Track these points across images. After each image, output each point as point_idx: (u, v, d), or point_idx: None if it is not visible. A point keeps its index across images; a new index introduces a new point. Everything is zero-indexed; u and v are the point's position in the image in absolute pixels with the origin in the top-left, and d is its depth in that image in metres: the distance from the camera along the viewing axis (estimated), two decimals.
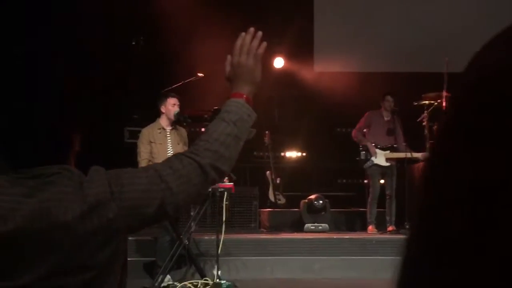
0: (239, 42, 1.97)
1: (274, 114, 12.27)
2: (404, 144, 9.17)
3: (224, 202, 7.13)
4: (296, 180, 11.51)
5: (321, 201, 9.66)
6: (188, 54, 10.25)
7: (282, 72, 11.75)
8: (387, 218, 9.39)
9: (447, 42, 11.18)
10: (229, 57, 1.98)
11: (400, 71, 11.65)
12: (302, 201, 9.87)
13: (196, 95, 9.64)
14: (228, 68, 1.98)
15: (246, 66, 1.95)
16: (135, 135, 8.12)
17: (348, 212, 10.59)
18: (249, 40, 1.97)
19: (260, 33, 1.98)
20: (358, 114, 10.00)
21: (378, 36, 11.83)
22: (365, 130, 9.73)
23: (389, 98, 9.54)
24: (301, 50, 11.95)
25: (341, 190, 11.64)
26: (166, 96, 7.46)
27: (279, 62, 11.72)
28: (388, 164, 9.40)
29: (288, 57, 11.75)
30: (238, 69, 1.95)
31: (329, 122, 11.93)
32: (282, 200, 10.40)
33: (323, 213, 9.70)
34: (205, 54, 9.90)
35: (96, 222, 1.55)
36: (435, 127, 9.80)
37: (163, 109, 7.35)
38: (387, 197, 9.42)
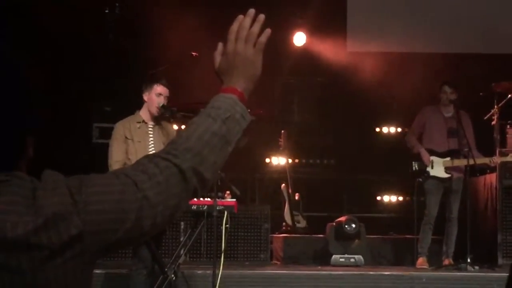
0: (235, 26, 2.03)
1: (293, 107, 12.25)
2: (466, 149, 9.04)
3: (224, 225, 7.10)
4: (322, 196, 11.52)
5: (353, 225, 9.62)
6: (178, 27, 10.24)
7: (303, 52, 11.71)
8: (444, 248, 9.35)
9: None
10: (220, 45, 2.05)
11: (463, 52, 11.61)
12: (329, 225, 9.83)
13: (188, 81, 9.63)
14: (218, 58, 2.04)
15: (243, 55, 2.01)
16: (107, 133, 8.10)
17: (391, 240, 10.54)
18: (248, 25, 2.02)
19: (262, 16, 2.04)
20: (407, 109, 9.96)
21: (433, 4, 11.79)
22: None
23: (446, 88, 9.38)
24: (330, 22, 11.89)
25: (381, 211, 11.63)
26: (153, 80, 7.41)
27: (300, 39, 11.68)
28: (448, 175, 9.34)
29: (312, 31, 11.72)
30: (233, 59, 2.01)
31: (367, 120, 11.94)
32: (302, 223, 10.39)
33: (356, 240, 9.66)
34: (200, 28, 9.89)
35: (55, 240, 1.57)
36: (508, 127, 9.74)
37: (145, 97, 7.32)
38: (447, 221, 9.37)
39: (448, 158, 9.33)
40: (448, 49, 11.71)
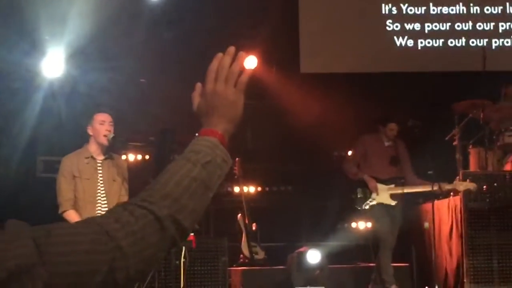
0: (214, 64, 2.03)
1: (246, 134, 12.23)
2: (414, 175, 9.48)
3: (182, 260, 7.06)
4: (280, 225, 11.46)
5: (315, 255, 9.57)
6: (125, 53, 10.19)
7: (255, 76, 11.71)
8: (385, 277, 9.40)
9: (483, 29, 11.26)
10: (198, 85, 2.05)
11: (419, 70, 11.71)
12: (290, 256, 9.79)
13: (136, 111, 9.58)
14: (196, 99, 2.04)
15: (223, 96, 2.01)
16: (53, 167, 7.99)
17: (356, 269, 10.50)
18: (228, 63, 2.02)
19: (243, 54, 2.03)
20: (364, 131, 10.02)
21: (386, 22, 11.90)
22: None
23: (393, 126, 9.68)
24: (282, 44, 11.95)
25: (343, 239, 11.60)
26: (92, 111, 7.33)
27: (251, 62, 11.70)
28: (394, 203, 9.50)
29: (263, 54, 11.75)
30: (213, 100, 2.01)
31: (324, 144, 11.83)
32: (261, 254, 10.33)
33: (318, 271, 9.59)
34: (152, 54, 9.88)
35: None
36: (470, 147, 9.82)
37: (89, 131, 7.22)
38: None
39: (392, 185, 9.51)
40: (405, 68, 11.81)
